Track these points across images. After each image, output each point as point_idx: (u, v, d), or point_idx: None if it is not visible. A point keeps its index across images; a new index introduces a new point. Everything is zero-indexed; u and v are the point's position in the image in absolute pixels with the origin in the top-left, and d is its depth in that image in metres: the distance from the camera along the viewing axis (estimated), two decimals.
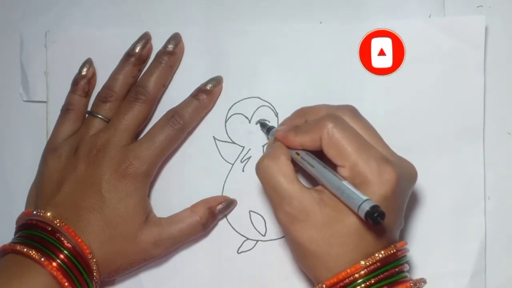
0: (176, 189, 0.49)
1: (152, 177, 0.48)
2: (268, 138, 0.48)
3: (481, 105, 0.47)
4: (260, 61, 0.49)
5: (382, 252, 0.39)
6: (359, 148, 0.39)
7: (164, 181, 0.50)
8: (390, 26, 0.48)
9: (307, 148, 0.41)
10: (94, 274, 0.45)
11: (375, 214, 0.36)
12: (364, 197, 0.37)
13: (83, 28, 0.52)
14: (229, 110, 0.49)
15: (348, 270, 0.38)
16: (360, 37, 0.48)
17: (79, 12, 0.53)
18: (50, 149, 0.49)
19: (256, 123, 0.49)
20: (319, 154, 0.41)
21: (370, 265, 0.38)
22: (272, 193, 0.41)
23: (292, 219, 0.40)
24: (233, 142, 0.49)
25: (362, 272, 0.38)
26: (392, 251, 0.39)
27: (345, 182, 0.38)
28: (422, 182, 0.47)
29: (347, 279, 0.38)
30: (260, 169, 0.41)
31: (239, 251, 0.49)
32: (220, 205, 0.48)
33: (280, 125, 0.45)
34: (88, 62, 0.51)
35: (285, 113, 0.48)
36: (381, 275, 0.38)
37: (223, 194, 0.49)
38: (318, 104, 0.44)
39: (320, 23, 0.49)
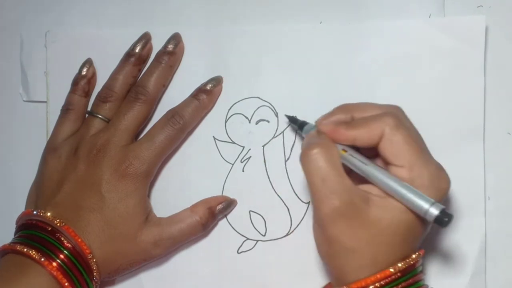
0: (176, 189, 0.49)
1: (152, 177, 0.48)
2: (300, 133, 0.47)
3: (481, 105, 0.47)
4: (260, 61, 0.49)
5: (408, 259, 0.39)
6: (420, 151, 0.39)
7: (164, 181, 0.50)
8: (390, 26, 0.48)
9: (358, 144, 0.40)
10: (94, 274, 0.45)
11: (445, 218, 0.36)
12: (431, 200, 0.37)
13: (83, 28, 0.52)
14: (229, 110, 0.49)
15: (378, 275, 0.38)
16: (360, 37, 0.48)
17: (79, 12, 0.53)
18: (50, 149, 0.49)
19: (294, 122, 0.47)
20: (362, 153, 0.40)
21: (396, 272, 0.38)
22: (320, 184, 0.39)
23: (340, 214, 0.38)
24: (233, 142, 0.49)
25: (389, 279, 0.38)
26: (412, 262, 0.39)
27: (407, 184, 0.38)
28: None
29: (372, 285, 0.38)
30: (309, 156, 0.39)
31: (239, 251, 0.49)
32: (220, 205, 0.48)
33: (320, 119, 0.42)
34: (88, 62, 0.51)
35: (285, 113, 0.48)
36: (403, 283, 0.38)
37: (223, 194, 0.49)
38: (364, 102, 0.43)
39: (320, 23, 0.49)
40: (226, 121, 0.49)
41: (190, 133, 0.49)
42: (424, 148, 0.40)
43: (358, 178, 0.40)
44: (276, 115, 0.49)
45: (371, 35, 0.48)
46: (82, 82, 0.50)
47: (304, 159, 0.39)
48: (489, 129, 0.47)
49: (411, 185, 0.38)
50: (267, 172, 0.49)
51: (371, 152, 0.41)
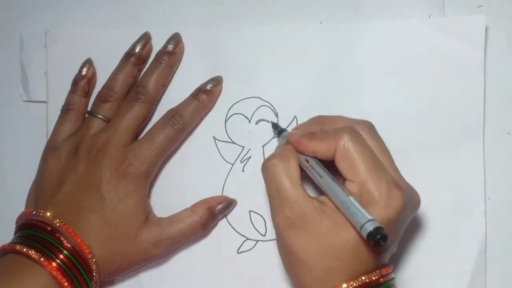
0: (176, 189, 0.49)
1: (152, 177, 0.48)
2: (278, 140, 0.48)
3: (481, 105, 0.47)
4: (260, 61, 0.49)
5: (364, 277, 0.38)
6: (372, 167, 0.39)
7: (164, 181, 0.50)
8: (389, 26, 0.48)
9: (318, 156, 0.41)
10: (94, 274, 0.45)
11: (378, 236, 0.35)
12: (370, 217, 0.36)
13: (83, 28, 0.52)
14: (229, 110, 0.49)
15: None
16: (360, 37, 0.48)
17: (79, 12, 0.53)
18: (50, 149, 0.49)
19: (275, 128, 0.48)
20: (327, 165, 0.41)
21: None
22: (274, 193, 0.40)
23: (290, 224, 0.39)
24: (233, 142, 0.49)
25: None
26: (375, 277, 0.38)
27: (351, 198, 0.38)
28: (422, 183, 0.47)
29: None
30: (267, 167, 0.41)
31: (239, 251, 0.48)
32: (220, 205, 0.48)
33: (294, 129, 0.45)
34: (88, 62, 0.51)
35: (285, 113, 0.48)
36: None
37: (223, 194, 0.49)
38: (337, 115, 0.44)
39: (320, 23, 0.49)
40: (226, 121, 0.49)
41: (190, 133, 0.49)
42: (378, 164, 0.39)
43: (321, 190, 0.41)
44: (276, 115, 0.49)
45: (371, 35, 0.48)
46: (82, 82, 0.50)
47: (263, 169, 0.41)
48: (488, 129, 0.47)
49: (358, 200, 0.38)
50: None
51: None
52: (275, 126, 0.48)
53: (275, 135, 0.48)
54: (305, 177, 0.42)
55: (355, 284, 0.38)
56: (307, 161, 0.41)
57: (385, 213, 0.38)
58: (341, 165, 0.39)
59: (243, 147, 0.49)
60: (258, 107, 0.49)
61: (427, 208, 0.47)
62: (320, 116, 0.44)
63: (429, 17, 0.48)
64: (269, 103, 0.49)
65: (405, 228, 0.47)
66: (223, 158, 0.49)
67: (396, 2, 0.48)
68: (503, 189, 0.47)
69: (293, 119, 0.49)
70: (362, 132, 0.41)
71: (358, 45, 0.48)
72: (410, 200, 0.39)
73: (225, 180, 0.49)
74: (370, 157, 0.39)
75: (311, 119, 0.44)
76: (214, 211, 0.48)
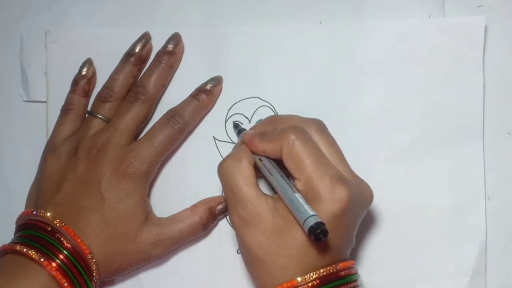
0: (176, 189, 0.49)
1: (152, 177, 0.48)
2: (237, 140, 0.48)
3: (480, 105, 0.47)
4: (260, 61, 0.49)
5: (322, 270, 0.38)
6: (316, 163, 0.39)
7: (164, 181, 0.50)
8: (390, 26, 0.48)
9: (269, 156, 0.41)
10: (94, 274, 0.45)
11: (318, 231, 0.36)
12: (311, 213, 0.37)
13: (83, 28, 0.52)
14: (229, 110, 0.49)
15: (284, 285, 0.38)
16: (360, 37, 0.48)
17: (79, 12, 0.53)
18: (50, 149, 0.48)
19: (236, 127, 0.48)
20: (281, 165, 0.41)
21: (308, 282, 0.38)
22: (229, 194, 0.41)
23: (244, 223, 0.40)
24: (233, 142, 0.49)
25: None
26: (332, 270, 0.39)
27: (297, 195, 0.38)
28: (422, 182, 0.47)
29: None
30: (221, 169, 0.41)
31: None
32: (220, 205, 0.48)
33: (251, 129, 0.45)
34: (88, 62, 0.51)
35: (285, 113, 0.48)
36: None
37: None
38: (291, 114, 0.44)
39: (320, 23, 0.49)
40: (226, 121, 0.49)
41: (190, 133, 0.49)
42: (322, 160, 0.39)
43: None
44: (276, 115, 0.49)
45: (371, 35, 0.48)
46: (82, 82, 0.50)
47: (218, 170, 0.42)
48: (488, 129, 0.47)
49: (305, 197, 0.38)
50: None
51: None
52: (235, 125, 0.48)
53: (236, 135, 0.48)
54: (263, 176, 0.43)
55: (311, 278, 0.38)
56: (261, 160, 0.42)
57: (330, 207, 0.38)
58: (288, 163, 0.40)
59: None
60: (258, 107, 0.49)
61: (427, 208, 0.47)
62: (274, 115, 0.46)
63: (429, 17, 0.48)
64: (269, 103, 0.49)
65: (405, 228, 0.47)
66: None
67: (396, 2, 0.48)
68: (503, 189, 0.47)
69: None
70: (310, 130, 0.41)
71: (358, 45, 0.48)
72: (357, 193, 0.40)
73: None
74: (314, 154, 0.39)
75: (266, 118, 0.45)
76: (214, 211, 0.48)
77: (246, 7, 0.50)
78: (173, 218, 0.48)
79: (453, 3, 0.48)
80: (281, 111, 0.49)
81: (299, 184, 0.39)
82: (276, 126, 0.43)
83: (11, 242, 0.44)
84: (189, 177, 0.49)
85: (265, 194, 0.40)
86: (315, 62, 0.49)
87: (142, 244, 0.46)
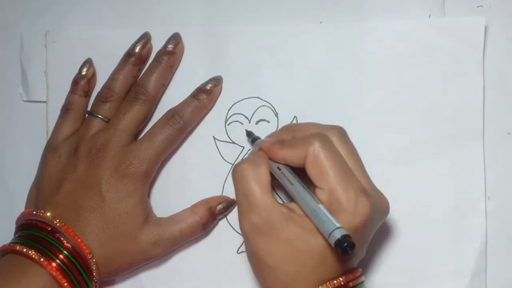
0: (176, 189, 0.49)
1: (152, 177, 0.48)
2: (252, 148, 0.48)
3: (480, 105, 0.47)
4: (260, 61, 0.49)
5: (334, 282, 0.38)
6: (341, 174, 0.39)
7: (164, 181, 0.50)
8: (390, 26, 0.48)
9: (289, 163, 0.41)
10: (94, 274, 0.45)
11: (345, 244, 0.35)
12: (338, 225, 0.37)
13: (83, 28, 0.52)
14: (229, 110, 0.49)
15: None
16: (360, 37, 0.48)
17: (79, 12, 0.53)
18: (50, 149, 0.48)
19: (249, 136, 0.48)
20: (299, 173, 0.41)
21: None
22: (242, 198, 0.40)
23: (256, 230, 0.39)
24: (233, 142, 0.49)
25: None
26: (343, 283, 0.39)
27: (321, 206, 0.38)
28: (422, 182, 0.47)
29: None
30: (237, 171, 0.41)
31: (239, 251, 0.48)
32: (220, 205, 0.48)
33: (267, 137, 0.45)
34: (88, 62, 0.51)
35: (285, 113, 0.48)
36: None
37: (223, 194, 0.49)
38: (309, 122, 0.44)
39: (320, 23, 0.49)
40: (226, 121, 0.49)
41: (190, 133, 0.49)
42: (346, 171, 0.39)
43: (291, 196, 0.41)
44: (276, 115, 0.49)
45: (371, 35, 0.48)
46: (82, 82, 0.50)
47: (233, 173, 0.41)
48: (488, 129, 0.47)
49: (328, 208, 0.38)
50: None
51: None
52: (249, 134, 0.48)
53: (249, 143, 0.48)
54: (276, 185, 0.42)
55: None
56: (279, 169, 0.41)
57: (353, 220, 0.38)
58: (311, 171, 0.39)
59: (243, 147, 0.49)
60: (258, 107, 0.49)
61: (428, 208, 0.47)
62: (291, 124, 0.45)
63: (429, 17, 0.48)
64: (269, 103, 0.49)
65: (405, 228, 0.47)
66: (223, 158, 0.49)
67: (396, 2, 0.48)
68: (503, 189, 0.47)
69: (293, 119, 0.49)
70: (333, 138, 0.41)
71: (358, 45, 0.48)
72: (378, 206, 0.40)
73: (225, 180, 0.49)
74: (339, 164, 0.39)
75: (283, 127, 0.45)
76: (215, 211, 0.48)
77: (246, 7, 0.50)
78: (173, 218, 0.48)
79: (453, 3, 0.48)
80: (281, 111, 0.49)
81: (322, 194, 0.39)
82: (295, 134, 0.42)
83: (11, 242, 0.44)
84: (189, 177, 0.49)
85: (279, 203, 0.40)
86: (315, 62, 0.49)
87: (142, 244, 0.46)
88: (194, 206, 0.48)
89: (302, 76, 0.49)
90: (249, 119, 0.49)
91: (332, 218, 0.37)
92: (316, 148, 0.39)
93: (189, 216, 0.47)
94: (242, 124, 0.49)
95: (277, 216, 0.39)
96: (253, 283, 0.48)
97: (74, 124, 0.49)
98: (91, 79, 0.51)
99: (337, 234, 0.36)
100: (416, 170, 0.47)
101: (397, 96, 0.48)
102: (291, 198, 0.41)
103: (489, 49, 0.47)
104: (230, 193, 0.49)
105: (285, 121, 0.49)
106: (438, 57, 0.47)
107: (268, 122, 0.49)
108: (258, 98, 0.49)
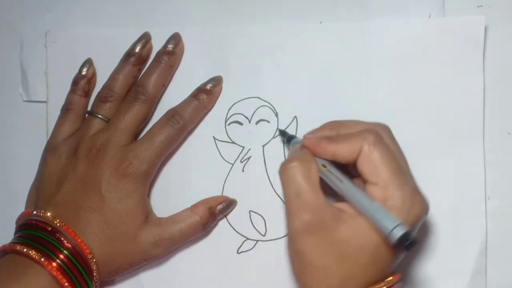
0: (176, 189, 0.49)
1: (152, 177, 0.48)
2: (288, 147, 0.47)
3: (480, 105, 0.47)
4: (260, 61, 0.49)
5: (382, 284, 0.38)
6: (397, 171, 0.38)
7: (164, 181, 0.50)
8: (390, 26, 0.48)
9: (338, 159, 0.40)
10: (94, 274, 0.45)
11: (408, 241, 0.35)
12: (398, 221, 0.36)
13: (83, 28, 0.52)
14: (229, 110, 0.49)
15: None
16: (360, 37, 0.48)
17: (79, 12, 0.53)
18: (50, 149, 0.49)
19: (277, 134, 0.48)
20: (342, 170, 0.40)
21: None
22: (293, 197, 0.39)
23: (308, 229, 0.38)
24: (233, 142, 0.49)
25: None
26: (390, 284, 0.38)
27: (376, 203, 0.37)
28: (422, 182, 0.47)
29: None
30: (287, 169, 0.39)
31: (239, 251, 0.48)
32: (220, 205, 0.48)
33: (308, 133, 0.43)
34: (88, 62, 0.51)
35: (285, 113, 0.48)
36: None
37: (223, 194, 0.49)
38: (353, 119, 0.43)
39: (320, 23, 0.49)
40: (226, 121, 0.49)
41: (190, 133, 0.49)
42: (402, 168, 0.39)
43: (337, 195, 0.40)
44: (276, 115, 0.49)
45: (371, 35, 0.48)
46: (82, 82, 0.50)
47: (282, 171, 0.40)
48: (489, 129, 0.47)
49: (383, 205, 0.37)
50: (267, 172, 0.49)
51: (356, 171, 0.40)
52: (283, 133, 0.48)
53: (284, 143, 0.48)
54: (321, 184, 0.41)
55: None
56: (324, 166, 0.40)
57: (407, 219, 0.37)
58: (364, 166, 0.38)
59: (243, 147, 0.49)
60: (258, 107, 0.49)
61: None
62: (334, 121, 0.43)
63: (429, 17, 0.48)
64: (269, 103, 0.49)
65: None
66: (223, 158, 0.49)
67: (396, 2, 0.48)
68: (503, 189, 0.47)
69: (293, 119, 0.49)
70: (383, 135, 0.40)
71: (358, 45, 0.48)
72: (427, 207, 0.39)
73: (225, 180, 0.49)
74: (394, 161, 0.38)
75: (325, 124, 0.43)
76: (215, 211, 0.48)
77: (246, 7, 0.50)
78: (173, 218, 0.48)
79: (453, 3, 0.48)
80: (281, 111, 0.49)
81: (375, 190, 0.38)
82: (339, 131, 0.41)
83: (11, 242, 0.44)
84: (189, 177, 0.49)
85: (330, 203, 0.39)
86: (315, 62, 0.48)
87: (142, 244, 0.46)
88: (194, 206, 0.48)
89: (302, 76, 0.49)
90: (249, 119, 0.49)
91: (391, 215, 0.36)
92: (372, 144, 0.38)
93: (189, 216, 0.47)
94: (242, 124, 0.49)
95: (329, 216, 0.38)
96: (253, 283, 0.48)
97: (74, 124, 0.49)
98: (91, 79, 0.51)
99: (399, 231, 0.35)
100: (416, 170, 0.47)
101: (397, 96, 0.48)
102: (335, 198, 0.40)
103: (489, 49, 0.47)
104: (230, 193, 0.49)
105: (285, 121, 0.49)
106: (438, 57, 0.47)
107: (268, 122, 0.49)
108: (258, 98, 0.49)
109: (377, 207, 0.37)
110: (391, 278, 0.39)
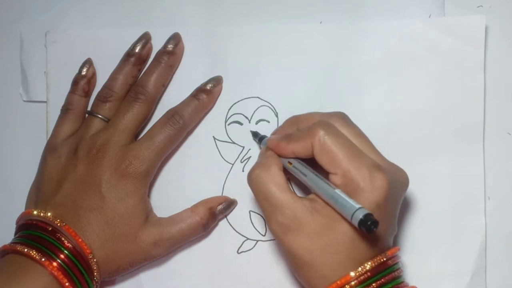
0: (176, 189, 0.49)
1: (152, 177, 0.48)
2: (260, 148, 0.48)
3: (481, 105, 0.47)
4: (260, 61, 0.49)
5: (370, 262, 0.38)
6: (350, 155, 0.39)
7: (164, 181, 0.50)
8: (390, 26, 0.48)
9: (299, 156, 0.41)
10: (95, 274, 0.45)
11: (369, 223, 0.35)
12: (357, 206, 0.37)
13: (83, 28, 0.52)
14: (229, 110, 0.49)
15: (339, 282, 0.38)
16: (360, 37, 0.48)
17: (79, 12, 0.53)
18: (50, 149, 0.49)
19: (255, 136, 0.48)
20: (312, 162, 0.41)
21: (360, 275, 0.38)
22: (264, 202, 0.40)
23: (285, 229, 0.39)
24: (233, 142, 0.49)
25: (353, 283, 0.38)
26: (382, 260, 0.39)
27: (337, 191, 0.38)
28: (422, 182, 0.47)
29: None
30: (251, 179, 0.41)
31: (239, 251, 0.49)
32: (220, 206, 0.48)
33: (272, 134, 0.45)
34: (88, 62, 0.51)
35: (285, 113, 0.48)
36: (374, 284, 0.38)
37: (223, 194, 0.49)
38: (310, 112, 0.44)
39: (320, 23, 0.49)
40: (226, 121, 0.49)
41: (190, 133, 0.49)
42: (356, 151, 0.39)
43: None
44: (276, 115, 0.49)
45: (371, 35, 0.48)
46: (82, 82, 0.50)
47: (249, 181, 0.42)
48: (489, 129, 0.47)
49: (344, 190, 0.38)
50: None
51: None
52: (255, 134, 0.48)
53: (257, 143, 0.48)
54: (294, 178, 0.42)
55: (363, 270, 0.38)
56: (290, 163, 0.41)
57: (372, 197, 0.38)
58: (321, 159, 0.40)
59: (243, 147, 0.49)
60: (258, 107, 0.49)
61: (427, 207, 0.47)
62: (294, 116, 0.45)
63: (429, 17, 0.48)
64: (269, 103, 0.49)
65: (405, 228, 0.47)
66: (223, 158, 0.49)
67: (396, 2, 0.48)
68: (503, 189, 0.47)
69: None
70: (336, 123, 0.41)
71: (358, 45, 0.48)
72: (395, 179, 0.40)
73: (225, 180, 0.49)
74: (347, 146, 0.39)
75: (286, 120, 0.45)
76: (215, 212, 0.48)
77: (246, 7, 0.50)
78: (173, 218, 0.48)
79: (453, 3, 0.48)
80: (281, 111, 0.49)
81: (336, 178, 0.39)
82: (299, 125, 0.43)
83: (12, 242, 0.44)
84: (189, 177, 0.49)
85: (300, 197, 0.40)
86: (315, 62, 0.49)
87: (143, 244, 0.46)
88: (195, 206, 0.48)
89: (302, 76, 0.49)
90: (249, 119, 0.49)
91: (350, 200, 0.37)
92: (321, 136, 0.39)
93: (190, 216, 0.47)
94: (242, 124, 0.49)
95: (301, 210, 0.39)
96: (253, 283, 0.48)
97: (74, 124, 0.49)
98: (91, 79, 0.51)
99: (359, 215, 0.36)
100: (416, 170, 0.47)
101: (397, 96, 0.48)
102: (308, 190, 0.41)
103: (489, 49, 0.47)
104: (230, 193, 0.49)
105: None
106: (439, 57, 0.47)
107: (268, 122, 0.49)
108: (258, 98, 0.49)
109: (338, 195, 0.38)
110: (391, 250, 0.39)
